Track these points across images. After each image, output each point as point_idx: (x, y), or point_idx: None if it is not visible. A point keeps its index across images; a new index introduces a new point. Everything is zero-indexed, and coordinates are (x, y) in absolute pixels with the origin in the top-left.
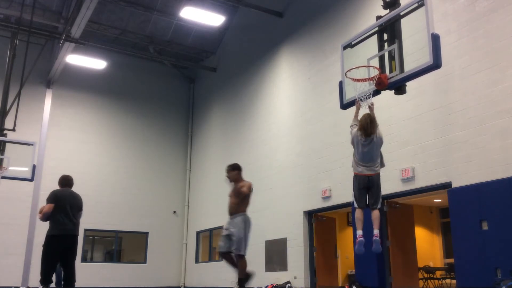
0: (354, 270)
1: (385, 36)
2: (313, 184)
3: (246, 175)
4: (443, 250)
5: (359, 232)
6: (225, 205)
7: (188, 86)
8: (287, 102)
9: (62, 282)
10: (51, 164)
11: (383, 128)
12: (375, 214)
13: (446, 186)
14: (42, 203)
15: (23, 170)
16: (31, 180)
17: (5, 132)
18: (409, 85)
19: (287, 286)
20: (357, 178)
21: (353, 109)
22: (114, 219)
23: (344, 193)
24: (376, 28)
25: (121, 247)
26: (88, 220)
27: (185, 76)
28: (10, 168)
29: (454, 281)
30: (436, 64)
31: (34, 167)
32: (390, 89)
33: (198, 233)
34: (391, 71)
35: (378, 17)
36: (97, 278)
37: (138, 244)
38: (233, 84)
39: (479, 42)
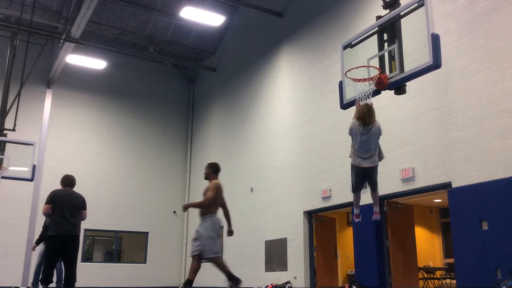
0: (354, 270)
1: (385, 36)
2: (313, 184)
3: (246, 175)
4: (443, 250)
5: (356, 211)
6: None
7: (188, 86)
8: (287, 102)
9: (63, 282)
10: (51, 164)
11: (383, 128)
12: (375, 194)
13: (446, 186)
14: (42, 203)
15: (23, 170)
16: (31, 180)
17: (5, 132)
18: (409, 85)
19: (287, 286)
20: (354, 168)
21: (353, 109)
22: (114, 219)
23: (344, 193)
24: (376, 28)
25: (121, 247)
26: (88, 220)
27: (185, 76)
28: (10, 168)
29: (454, 281)
30: (436, 64)
31: (34, 167)
32: (390, 89)
33: None
34: (391, 71)
35: (378, 17)
36: (97, 278)
37: (138, 244)
38: (233, 84)
39: (479, 42)
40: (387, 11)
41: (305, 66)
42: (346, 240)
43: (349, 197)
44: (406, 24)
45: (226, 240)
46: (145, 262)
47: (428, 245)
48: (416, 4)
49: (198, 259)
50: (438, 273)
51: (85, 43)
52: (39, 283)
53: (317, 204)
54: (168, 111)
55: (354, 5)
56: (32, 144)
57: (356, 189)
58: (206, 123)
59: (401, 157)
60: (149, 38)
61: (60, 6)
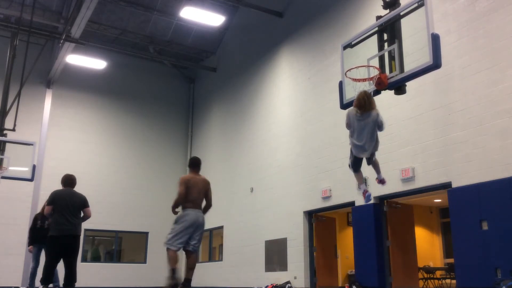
0: (354, 270)
1: (385, 36)
2: (313, 184)
3: (246, 175)
4: (443, 250)
5: (363, 187)
6: (225, 206)
7: (188, 86)
8: (287, 102)
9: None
10: (51, 164)
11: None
12: (375, 161)
13: (446, 186)
14: (42, 203)
15: (23, 170)
16: (31, 180)
17: (5, 132)
18: (409, 85)
19: (287, 286)
20: (353, 155)
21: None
22: (114, 219)
23: (344, 193)
24: (376, 28)
25: (121, 247)
26: (88, 220)
27: (185, 76)
28: (10, 168)
29: (454, 281)
30: (436, 64)
31: (34, 167)
32: (390, 89)
33: None
34: (391, 71)
35: (378, 17)
36: (97, 278)
37: (138, 244)
38: (233, 84)
39: (479, 42)
40: (387, 11)
41: (305, 66)
42: (346, 240)
43: (349, 197)
44: (406, 24)
45: (226, 240)
46: (145, 262)
47: (428, 245)
48: (416, 4)
49: (167, 249)
50: (438, 273)
51: (85, 43)
52: (40, 283)
53: (317, 204)
54: (168, 111)
55: (354, 5)
56: (32, 144)
57: (355, 170)
58: (206, 123)
59: (401, 157)
60: (149, 38)
61: (60, 6)
